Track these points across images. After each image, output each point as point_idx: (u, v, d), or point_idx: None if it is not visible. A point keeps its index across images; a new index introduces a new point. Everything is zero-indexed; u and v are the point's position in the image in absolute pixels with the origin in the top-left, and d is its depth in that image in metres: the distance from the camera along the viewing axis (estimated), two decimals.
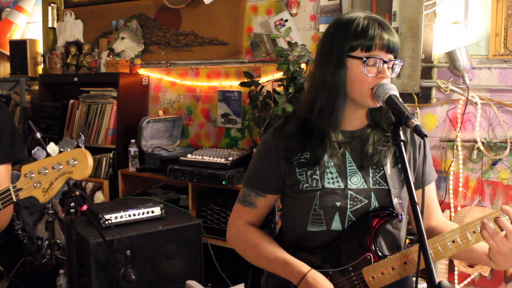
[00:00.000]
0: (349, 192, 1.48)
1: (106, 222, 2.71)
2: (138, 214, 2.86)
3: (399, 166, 1.50)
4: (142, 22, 4.01)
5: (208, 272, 3.25)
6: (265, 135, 1.61)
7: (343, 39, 1.42)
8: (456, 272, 2.89)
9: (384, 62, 1.41)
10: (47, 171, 1.50)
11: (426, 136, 1.27)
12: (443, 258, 1.41)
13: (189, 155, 3.38)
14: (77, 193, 2.35)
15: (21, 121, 4.48)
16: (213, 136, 3.83)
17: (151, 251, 2.75)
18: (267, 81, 3.22)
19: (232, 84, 3.63)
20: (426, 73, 2.91)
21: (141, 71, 4.03)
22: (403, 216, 1.49)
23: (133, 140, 3.70)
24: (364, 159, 1.49)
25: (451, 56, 2.74)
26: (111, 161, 3.88)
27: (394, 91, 1.37)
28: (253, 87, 3.18)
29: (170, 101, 4.02)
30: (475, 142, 2.80)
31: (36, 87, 4.47)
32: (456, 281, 2.90)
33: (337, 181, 1.49)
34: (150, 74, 4.06)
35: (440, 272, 2.88)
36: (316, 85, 1.49)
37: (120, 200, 3.56)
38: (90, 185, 3.74)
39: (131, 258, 2.60)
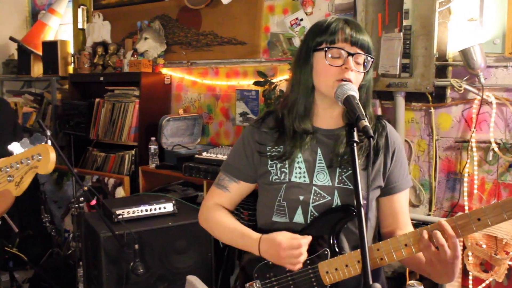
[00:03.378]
0: (314, 187, 1.54)
1: (119, 217, 2.79)
2: (150, 210, 2.93)
3: (370, 168, 1.51)
4: (164, 23, 4.10)
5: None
6: (247, 127, 1.72)
7: (311, 37, 1.52)
8: (470, 277, 2.82)
9: (350, 54, 1.44)
10: (18, 165, 1.58)
11: (372, 137, 1.28)
12: (394, 261, 1.41)
13: (204, 153, 3.43)
14: (85, 188, 2.43)
15: (52, 118, 4.66)
16: (232, 135, 3.87)
17: (162, 246, 2.81)
18: (280, 80, 3.23)
19: (250, 83, 3.66)
20: (441, 72, 2.85)
21: (164, 71, 4.11)
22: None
23: (153, 138, 3.79)
24: (334, 158, 1.54)
25: (465, 54, 2.67)
26: (133, 158, 3.98)
27: (353, 91, 1.40)
28: (266, 86, 3.21)
29: (191, 100, 4.09)
30: (491, 143, 2.73)
31: (67, 86, 4.63)
32: (470, 286, 2.83)
33: (304, 176, 1.56)
34: (173, 74, 4.14)
35: None
36: (291, 83, 1.58)
37: (135, 196, 3.65)
38: (111, 181, 3.85)
39: (141, 252, 2.68)
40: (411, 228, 1.63)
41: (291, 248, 1.43)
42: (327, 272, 1.46)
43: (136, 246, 2.63)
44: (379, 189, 1.61)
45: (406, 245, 1.38)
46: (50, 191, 4.33)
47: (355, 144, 1.31)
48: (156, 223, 2.85)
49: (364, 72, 1.51)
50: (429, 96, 2.88)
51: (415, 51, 2.77)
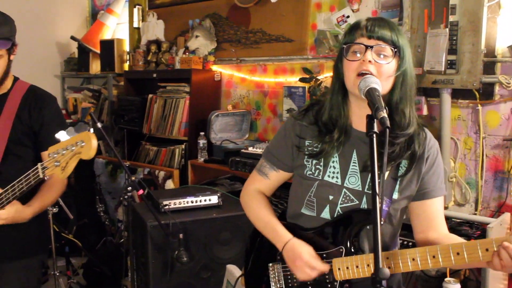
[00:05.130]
0: (344, 189, 1.59)
1: (165, 207, 2.90)
2: (196, 201, 3.02)
3: (398, 176, 1.57)
4: (215, 21, 4.21)
5: None
6: (289, 117, 1.76)
7: (342, 39, 1.58)
8: None
9: (366, 47, 1.47)
10: (64, 151, 1.69)
11: (388, 127, 1.30)
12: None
13: (250, 148, 3.51)
14: (133, 178, 2.56)
15: (108, 113, 4.88)
16: None
17: (206, 236, 2.90)
18: (326, 77, 3.25)
19: (297, 80, 3.70)
20: (489, 68, 2.79)
21: (214, 68, 4.22)
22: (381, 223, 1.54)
23: (202, 133, 3.91)
24: (367, 163, 1.56)
25: None
26: (183, 152, 4.12)
27: (375, 84, 1.42)
28: (312, 83, 3.24)
29: (240, 96, 4.18)
30: None
31: (122, 83, 4.84)
32: None
33: (336, 177, 1.60)
34: (222, 70, 4.24)
35: (497, 277, 2.75)
36: (331, 82, 1.65)
37: (182, 188, 3.78)
38: (162, 174, 4.00)
39: (185, 241, 2.78)
40: (445, 231, 1.65)
41: (306, 265, 1.53)
42: (338, 269, 1.53)
43: (181, 236, 2.73)
44: (406, 200, 1.62)
45: (458, 253, 1.38)
46: (105, 183, 4.53)
47: (374, 136, 1.33)
48: (201, 214, 2.94)
49: (391, 63, 1.51)
50: (476, 93, 2.83)
51: (462, 47, 2.73)
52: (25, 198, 1.98)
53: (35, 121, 2.16)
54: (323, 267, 1.53)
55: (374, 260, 1.20)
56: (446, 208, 2.94)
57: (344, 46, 1.52)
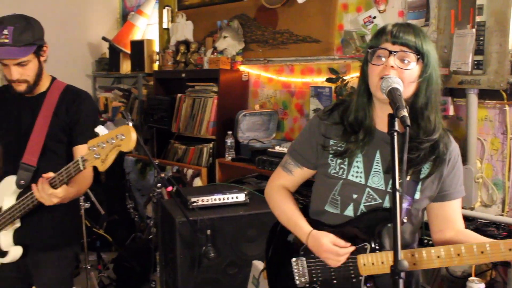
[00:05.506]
0: (367, 189, 1.64)
1: (194, 204, 2.98)
2: (223, 199, 3.08)
3: (420, 179, 1.61)
4: (243, 22, 4.27)
5: None
6: (314, 116, 1.80)
7: (369, 42, 1.62)
8: None
9: (390, 52, 1.51)
10: (104, 144, 1.78)
11: (408, 125, 1.34)
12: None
13: (277, 147, 3.56)
14: (163, 175, 2.64)
15: (138, 112, 4.99)
16: None
17: (233, 233, 2.95)
18: (352, 77, 3.28)
19: (324, 80, 3.73)
20: None
21: (242, 68, 4.29)
22: (404, 221, 1.61)
23: (230, 132, 3.97)
24: (390, 164, 1.58)
25: None
26: (211, 150, 4.20)
27: (396, 84, 1.46)
28: (338, 83, 3.27)
29: (267, 96, 4.23)
30: None
31: (152, 82, 4.94)
32: None
33: (360, 176, 1.65)
34: (250, 71, 4.30)
35: None
36: (357, 83, 1.68)
37: (210, 185, 3.85)
38: (190, 172, 4.08)
39: (213, 238, 2.84)
40: (463, 229, 1.69)
41: (330, 252, 1.59)
42: (364, 265, 1.58)
43: (208, 232, 2.79)
44: (427, 200, 1.67)
45: (482, 252, 1.44)
46: (134, 180, 4.65)
47: (395, 134, 1.36)
48: (228, 212, 3.00)
49: (413, 69, 1.53)
50: (504, 94, 2.82)
51: (489, 48, 2.73)
52: None
53: (72, 117, 2.25)
54: (345, 250, 1.58)
55: (393, 252, 1.24)
56: (472, 209, 2.94)
57: (369, 50, 1.56)
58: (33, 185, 2.01)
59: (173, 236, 2.92)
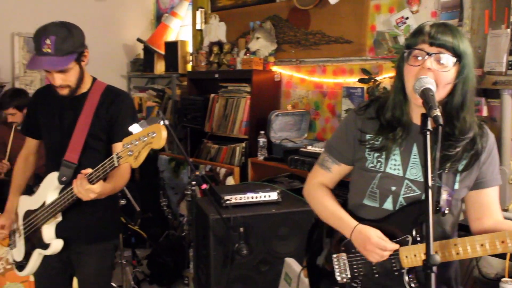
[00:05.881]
0: (406, 181, 1.65)
1: (227, 202, 3.04)
2: (256, 197, 3.13)
3: (459, 171, 1.62)
4: (275, 23, 4.32)
5: None
6: (350, 112, 1.83)
7: (405, 42, 1.62)
8: None
9: (427, 54, 1.51)
10: (137, 142, 1.84)
11: (441, 125, 1.36)
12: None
13: (309, 147, 3.60)
14: (197, 173, 2.71)
15: (172, 112, 5.09)
16: None
17: (265, 231, 3.00)
18: (384, 78, 3.29)
19: (356, 80, 3.74)
20: None
21: (274, 68, 4.33)
22: (445, 212, 1.62)
23: (262, 132, 4.03)
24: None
25: None
26: (243, 150, 4.26)
27: (430, 85, 1.47)
28: (371, 83, 3.29)
29: (299, 97, 4.27)
30: None
31: (185, 83, 5.04)
32: None
33: (398, 169, 1.67)
34: (282, 71, 4.35)
35: None
36: (393, 82, 1.70)
37: (243, 184, 3.91)
38: (223, 171, 4.15)
39: (245, 235, 2.89)
40: (500, 218, 1.69)
41: (377, 246, 1.60)
42: (406, 257, 1.59)
43: (241, 229, 2.85)
44: (466, 189, 1.68)
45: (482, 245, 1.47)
46: (168, 178, 4.75)
47: (428, 133, 1.38)
48: (260, 210, 3.05)
49: (450, 71, 1.54)
50: None
51: None
52: None
53: (111, 116, 2.33)
54: (393, 246, 1.60)
55: (426, 247, 1.27)
56: (506, 210, 2.91)
57: (406, 50, 1.57)
58: (74, 181, 2.09)
59: (206, 233, 2.99)
